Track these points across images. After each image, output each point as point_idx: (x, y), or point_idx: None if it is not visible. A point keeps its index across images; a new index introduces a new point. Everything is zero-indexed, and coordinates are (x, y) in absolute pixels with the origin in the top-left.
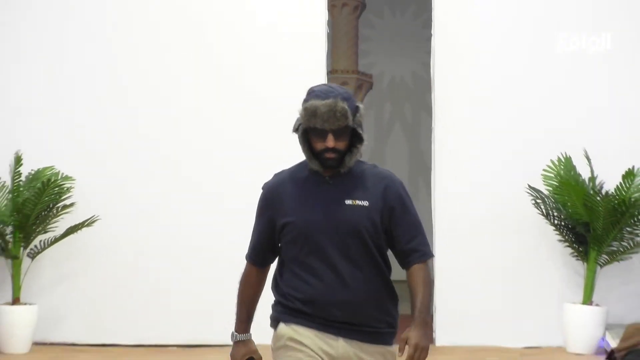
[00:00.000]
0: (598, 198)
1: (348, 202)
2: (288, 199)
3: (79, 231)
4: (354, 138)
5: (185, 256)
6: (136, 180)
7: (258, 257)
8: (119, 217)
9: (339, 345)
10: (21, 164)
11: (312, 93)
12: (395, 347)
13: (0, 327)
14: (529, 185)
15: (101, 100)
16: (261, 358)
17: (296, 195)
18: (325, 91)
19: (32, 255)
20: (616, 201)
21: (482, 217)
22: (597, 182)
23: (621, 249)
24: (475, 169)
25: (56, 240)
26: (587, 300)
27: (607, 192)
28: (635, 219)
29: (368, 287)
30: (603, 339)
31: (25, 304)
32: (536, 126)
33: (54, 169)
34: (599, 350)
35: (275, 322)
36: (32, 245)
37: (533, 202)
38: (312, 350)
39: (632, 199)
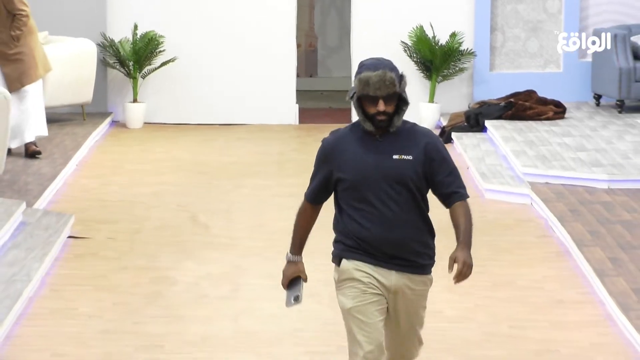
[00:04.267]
0: (437, 47)
1: (395, 156)
2: (345, 155)
3: (167, 64)
4: (400, 102)
5: (227, 71)
6: (195, 37)
7: (314, 198)
8: (187, 56)
9: (392, 277)
10: (137, 29)
11: (363, 66)
12: (431, 276)
13: (126, 115)
14: (402, 41)
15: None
16: (306, 279)
17: (352, 152)
18: (375, 64)
19: (143, 77)
20: (446, 49)
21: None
22: (436, 39)
23: (448, 74)
24: (376, 32)
25: (155, 69)
26: (431, 100)
27: (441, 45)
28: (455, 58)
29: (411, 227)
30: (439, 121)
31: (139, 102)
32: (408, 9)
33: (154, 31)
34: (437, 126)
35: (337, 258)
36: (143, 71)
37: (404, 49)
38: (371, 281)
39: (454, 48)
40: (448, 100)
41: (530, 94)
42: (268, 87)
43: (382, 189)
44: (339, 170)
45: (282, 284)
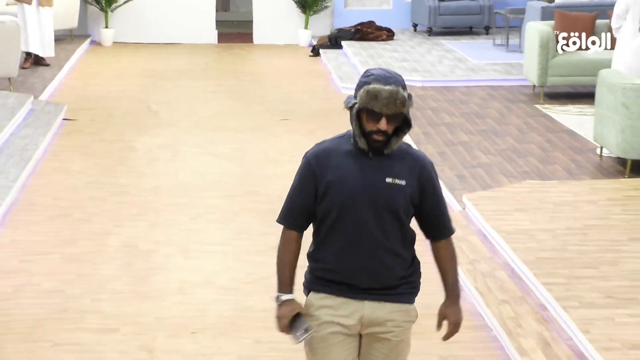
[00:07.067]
0: None
1: (388, 180)
2: (331, 171)
3: (129, 2)
4: (403, 123)
5: (169, 7)
6: None
7: (297, 222)
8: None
9: (365, 307)
10: None
11: (372, 76)
12: (414, 307)
13: (101, 37)
14: None
15: None
16: (308, 313)
17: (339, 168)
18: (385, 76)
19: (112, 10)
20: None
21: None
22: None
23: (317, 10)
24: None
25: (120, 5)
26: (306, 27)
27: None
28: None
29: (393, 256)
30: (311, 41)
31: (110, 28)
32: None
33: None
34: (310, 45)
35: (307, 289)
36: (112, 6)
37: None
38: (338, 320)
39: None
40: (317, 27)
41: (370, 23)
42: (196, 17)
43: (368, 213)
44: (324, 187)
45: (282, 328)
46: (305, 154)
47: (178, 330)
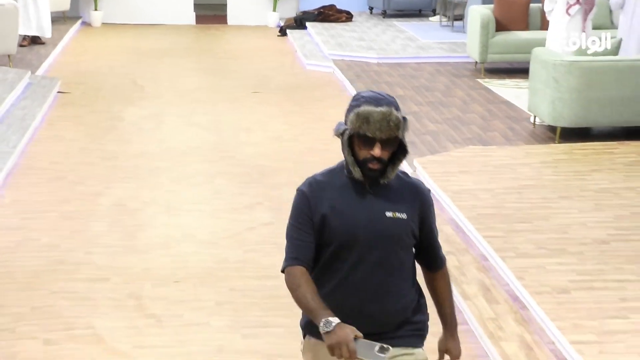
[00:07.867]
0: None
1: (389, 214)
2: (326, 204)
3: None
4: (399, 149)
5: None
6: None
7: (306, 258)
8: None
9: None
10: None
11: (362, 99)
12: (423, 350)
13: (91, 18)
14: None
15: None
16: (362, 335)
17: (335, 202)
18: (376, 98)
19: None
20: None
21: None
22: None
23: None
24: None
25: None
26: (274, 10)
27: None
28: None
29: (400, 298)
30: (279, 22)
31: (99, 10)
32: None
33: None
34: (278, 26)
35: (303, 331)
36: None
37: None
38: None
39: None
40: (284, 10)
41: (332, 6)
42: (176, 1)
43: (369, 251)
44: (318, 220)
45: (350, 354)
46: (298, 188)
47: (163, 280)
